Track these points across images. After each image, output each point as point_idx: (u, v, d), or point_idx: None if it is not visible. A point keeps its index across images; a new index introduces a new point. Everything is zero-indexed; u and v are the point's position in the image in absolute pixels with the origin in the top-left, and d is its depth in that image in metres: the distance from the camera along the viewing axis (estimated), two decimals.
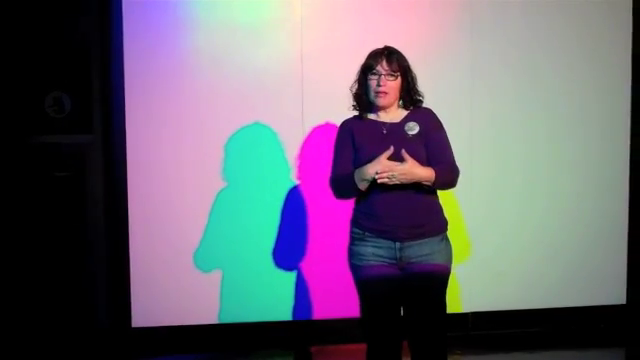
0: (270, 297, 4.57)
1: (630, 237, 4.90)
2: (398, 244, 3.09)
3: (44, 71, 4.39)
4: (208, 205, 4.47)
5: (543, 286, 4.81)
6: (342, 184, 3.18)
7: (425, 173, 3.01)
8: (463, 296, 4.69)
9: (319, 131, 4.50)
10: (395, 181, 2.97)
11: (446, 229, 3.20)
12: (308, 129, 4.51)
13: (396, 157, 3.01)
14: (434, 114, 3.22)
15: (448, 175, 3.12)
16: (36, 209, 4.41)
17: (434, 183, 3.04)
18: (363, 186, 3.08)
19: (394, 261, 3.11)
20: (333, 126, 4.41)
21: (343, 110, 4.45)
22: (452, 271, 3.22)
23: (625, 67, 4.83)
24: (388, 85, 3.12)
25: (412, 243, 3.09)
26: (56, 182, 4.42)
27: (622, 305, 4.92)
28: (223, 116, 4.47)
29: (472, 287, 4.71)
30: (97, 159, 4.46)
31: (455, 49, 4.62)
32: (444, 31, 4.60)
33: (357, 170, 3.09)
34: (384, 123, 3.17)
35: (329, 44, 4.52)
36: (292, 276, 4.59)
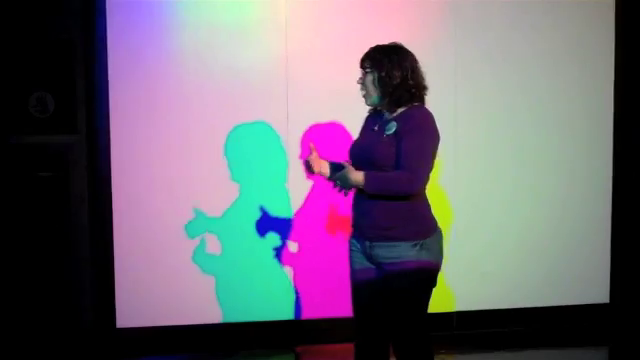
0: (260, 297, 4.58)
1: (613, 237, 4.94)
2: (368, 243, 3.12)
3: (27, 71, 4.37)
4: (193, 204, 4.47)
5: (527, 285, 4.83)
6: None
7: (357, 177, 3.03)
8: (447, 295, 4.71)
9: (309, 132, 4.53)
10: (338, 183, 3.09)
11: (425, 236, 3.07)
12: (293, 128, 4.51)
13: (366, 154, 3.10)
14: (422, 116, 3.10)
15: (384, 182, 3.03)
16: (20, 209, 4.38)
17: (364, 188, 3.03)
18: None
19: (368, 257, 3.15)
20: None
21: (328, 109, 4.49)
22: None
23: (609, 67, 4.86)
24: (364, 82, 3.16)
25: (381, 244, 3.08)
26: (40, 182, 4.40)
27: (606, 304, 4.95)
28: (208, 116, 4.46)
29: (457, 287, 4.72)
30: (81, 159, 4.44)
31: (439, 49, 4.63)
32: (428, 31, 4.61)
33: None
34: (381, 118, 3.19)
35: (313, 44, 4.53)
36: (281, 275, 4.59)
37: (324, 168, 3.23)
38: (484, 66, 4.71)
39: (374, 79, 3.13)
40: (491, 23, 4.71)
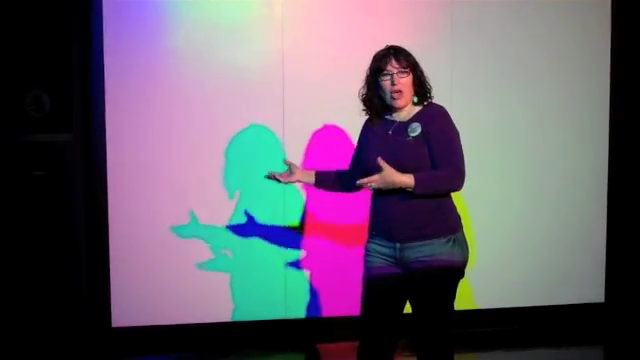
0: (264, 296, 4.59)
1: (608, 236, 4.95)
2: (398, 244, 3.07)
3: (23, 70, 4.35)
4: (188, 203, 4.46)
5: (523, 284, 4.84)
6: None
7: (403, 180, 2.98)
8: None
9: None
10: (375, 186, 3.01)
11: (455, 231, 3.10)
12: (289, 127, 4.51)
13: (395, 158, 3.02)
14: (444, 113, 3.13)
15: (437, 180, 3.05)
16: (15, 209, 4.37)
17: (414, 190, 2.99)
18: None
19: (393, 260, 3.10)
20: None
21: (324, 109, 4.48)
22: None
23: (605, 67, 4.87)
24: (402, 83, 3.08)
25: (412, 244, 3.05)
26: (35, 181, 4.39)
27: (601, 303, 4.97)
28: (204, 114, 4.46)
29: None
30: (76, 158, 4.43)
31: (435, 50, 4.63)
32: (424, 31, 4.62)
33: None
34: (393, 122, 3.14)
35: (310, 43, 4.53)
36: (285, 275, 4.61)
37: (306, 177, 3.41)
38: (479, 66, 4.72)
39: (414, 80, 3.12)
40: (487, 24, 4.71)
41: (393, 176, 2.97)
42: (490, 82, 4.74)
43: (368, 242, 3.20)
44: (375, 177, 2.99)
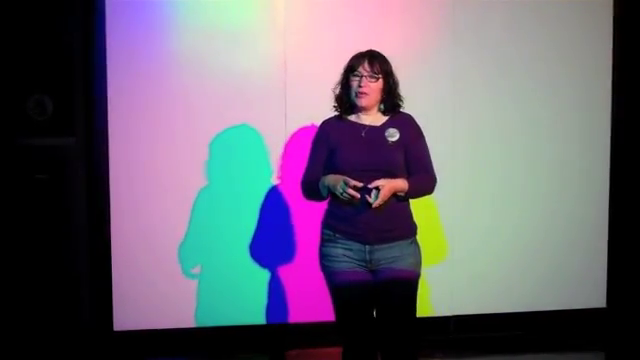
0: (248, 300, 4.57)
1: (610, 240, 4.94)
2: (368, 247, 3.13)
3: (26, 73, 4.36)
4: (191, 208, 4.47)
5: (523, 289, 4.84)
6: (309, 189, 3.28)
7: (402, 185, 3.10)
8: (444, 299, 4.70)
9: (302, 133, 4.49)
10: (380, 202, 3.03)
11: (415, 233, 3.24)
12: (290, 132, 4.52)
13: (372, 161, 3.09)
14: (414, 120, 3.27)
15: (423, 185, 3.22)
16: (17, 212, 4.37)
17: (407, 193, 3.13)
18: (325, 192, 3.17)
19: (363, 263, 3.14)
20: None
21: (326, 114, 4.47)
22: (423, 273, 3.26)
23: (606, 68, 4.87)
24: (369, 86, 3.16)
25: (382, 246, 3.12)
26: (37, 185, 4.39)
27: (603, 308, 4.96)
28: (206, 118, 4.46)
29: (453, 290, 4.72)
30: (79, 162, 4.43)
31: (437, 54, 4.64)
32: (426, 34, 4.62)
33: (324, 177, 3.16)
34: (364, 126, 3.20)
35: (312, 48, 4.53)
36: (269, 279, 4.59)
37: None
38: (482, 67, 4.72)
39: (384, 87, 3.18)
40: (488, 24, 4.71)
41: (391, 183, 3.06)
42: (491, 82, 4.74)
43: (327, 247, 3.20)
44: (385, 192, 3.03)
